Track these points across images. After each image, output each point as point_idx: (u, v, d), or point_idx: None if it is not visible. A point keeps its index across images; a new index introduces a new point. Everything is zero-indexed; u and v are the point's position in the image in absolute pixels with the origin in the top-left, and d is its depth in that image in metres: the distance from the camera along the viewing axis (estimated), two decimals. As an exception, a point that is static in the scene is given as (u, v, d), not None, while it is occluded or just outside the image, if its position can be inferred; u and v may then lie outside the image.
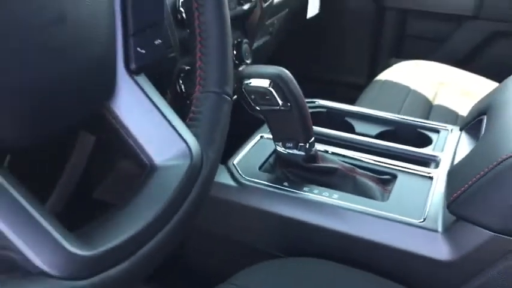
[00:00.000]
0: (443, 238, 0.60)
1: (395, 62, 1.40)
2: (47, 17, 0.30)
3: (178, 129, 0.38)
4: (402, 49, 1.56)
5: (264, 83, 0.66)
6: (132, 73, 0.38)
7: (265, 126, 0.84)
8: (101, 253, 0.29)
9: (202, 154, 0.38)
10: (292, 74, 0.67)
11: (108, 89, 0.36)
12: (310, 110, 0.86)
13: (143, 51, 0.38)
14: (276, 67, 0.68)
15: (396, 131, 0.87)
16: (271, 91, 0.66)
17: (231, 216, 0.71)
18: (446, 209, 0.61)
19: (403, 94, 1.21)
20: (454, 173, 0.65)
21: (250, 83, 0.67)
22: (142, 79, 0.38)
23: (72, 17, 0.31)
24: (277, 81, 0.66)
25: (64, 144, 0.46)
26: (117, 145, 0.37)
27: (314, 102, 0.93)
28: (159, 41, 0.40)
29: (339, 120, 0.91)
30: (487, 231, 0.56)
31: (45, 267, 0.27)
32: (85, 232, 0.30)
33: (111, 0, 0.35)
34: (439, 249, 0.59)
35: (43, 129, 0.31)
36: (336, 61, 1.58)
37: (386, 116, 0.90)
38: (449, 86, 1.28)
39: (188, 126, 0.40)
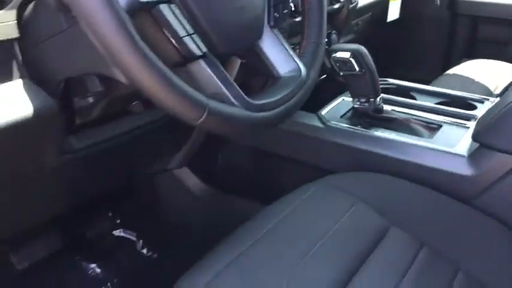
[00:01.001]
0: (468, 160, 0.85)
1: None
2: None
3: (294, 57, 0.69)
4: (473, 51, 1.77)
5: (346, 54, 0.96)
6: (271, 27, 0.69)
7: (346, 93, 1.13)
8: (262, 103, 0.60)
9: (307, 72, 0.69)
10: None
11: (259, 33, 0.67)
12: (382, 86, 1.14)
13: (277, 15, 0.69)
14: (356, 44, 0.97)
15: (450, 102, 1.12)
16: (351, 60, 0.95)
17: (318, 148, 1.00)
18: (472, 141, 0.86)
19: (467, 84, 1.43)
20: (481, 118, 0.89)
21: (336, 55, 0.97)
22: (276, 30, 0.69)
23: None
24: (355, 53, 0.95)
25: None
26: (259, 65, 0.68)
27: (386, 80, 1.20)
28: (286, 10, 0.71)
29: (405, 94, 1.17)
30: (498, 152, 0.81)
31: (239, 105, 0.58)
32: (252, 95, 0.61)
33: None
34: (464, 168, 0.85)
35: (235, 46, 0.63)
36: (412, 61, 1.82)
37: (444, 91, 1.15)
38: (510, 80, 1.48)
39: (300, 57, 0.70)
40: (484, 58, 1.61)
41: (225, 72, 0.59)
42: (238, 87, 0.60)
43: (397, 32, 1.76)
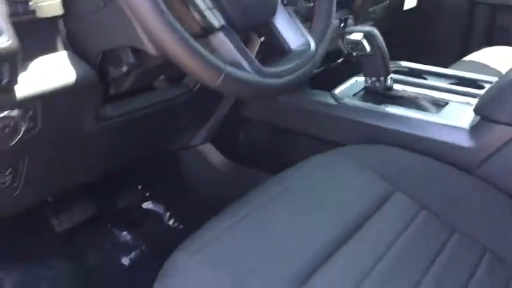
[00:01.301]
0: (469, 132, 0.91)
1: (485, 51, 1.66)
2: None
3: (304, 33, 0.76)
4: (491, 39, 1.80)
5: (359, 36, 1.03)
6: (284, 5, 0.77)
7: (360, 74, 1.19)
8: (274, 71, 0.68)
9: (316, 48, 0.76)
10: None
11: (273, 10, 0.75)
12: (395, 68, 1.20)
13: (290, -5, 0.78)
14: (368, 26, 1.04)
15: (460, 83, 1.17)
16: (362, 41, 1.02)
17: (331, 124, 1.07)
18: (474, 114, 0.92)
19: (482, 69, 1.47)
20: (483, 93, 0.95)
21: (350, 36, 1.04)
22: (288, 8, 0.77)
23: None
24: (367, 35, 1.02)
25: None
26: (272, 39, 0.76)
27: (398, 63, 1.26)
28: (298, -9, 0.79)
29: (417, 76, 1.23)
30: (497, 124, 0.86)
31: (253, 71, 0.66)
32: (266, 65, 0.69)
33: None
34: (465, 139, 0.91)
35: (251, 21, 0.71)
36: (430, 49, 1.87)
37: (455, 73, 1.20)
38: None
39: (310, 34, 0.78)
40: (502, 46, 1.65)
41: (241, 43, 0.67)
42: (253, 57, 0.68)
43: (415, 20, 1.80)
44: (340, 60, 1.33)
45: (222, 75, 0.62)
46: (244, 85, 0.65)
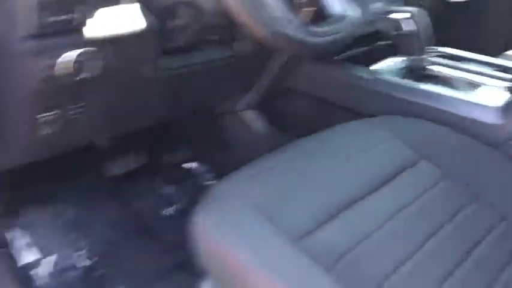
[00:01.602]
0: (498, 110, 0.96)
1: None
2: None
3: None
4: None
5: (405, 14, 1.09)
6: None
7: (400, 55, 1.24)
8: (317, 31, 0.76)
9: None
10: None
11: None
12: (435, 53, 1.25)
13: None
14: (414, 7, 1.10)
15: (498, 70, 1.21)
16: (406, 20, 1.08)
17: (366, 97, 1.13)
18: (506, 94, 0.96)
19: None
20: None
21: (395, 15, 1.10)
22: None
23: None
24: (414, 14, 1.08)
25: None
26: (316, 5, 0.84)
27: (436, 48, 1.30)
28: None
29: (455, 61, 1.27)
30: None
31: (298, 29, 0.74)
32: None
33: None
34: (493, 117, 0.95)
35: None
36: (476, 44, 1.88)
37: (494, 61, 1.23)
38: None
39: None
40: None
41: (290, 5, 0.75)
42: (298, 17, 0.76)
43: (462, 17, 1.82)
44: (384, 42, 1.39)
45: (271, 30, 0.71)
46: (290, 40, 0.73)
